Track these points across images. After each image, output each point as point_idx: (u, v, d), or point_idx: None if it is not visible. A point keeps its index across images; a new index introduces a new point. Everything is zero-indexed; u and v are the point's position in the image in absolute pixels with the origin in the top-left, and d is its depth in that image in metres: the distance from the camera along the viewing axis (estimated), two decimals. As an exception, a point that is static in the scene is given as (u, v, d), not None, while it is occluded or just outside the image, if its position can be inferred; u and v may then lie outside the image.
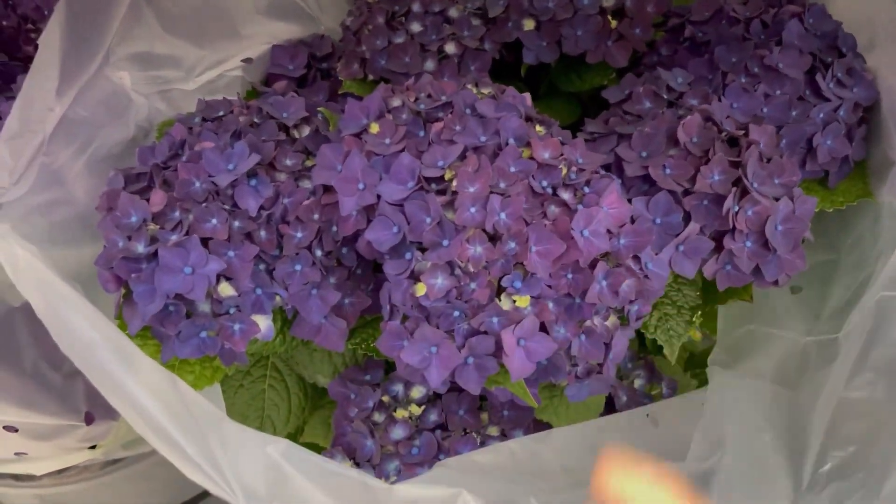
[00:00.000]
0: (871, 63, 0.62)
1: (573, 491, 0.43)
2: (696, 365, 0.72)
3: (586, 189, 0.49)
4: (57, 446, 0.61)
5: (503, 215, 0.46)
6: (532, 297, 0.46)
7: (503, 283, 0.46)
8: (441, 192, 0.47)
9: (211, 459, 0.38)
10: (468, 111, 0.51)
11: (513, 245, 0.46)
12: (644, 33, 0.65)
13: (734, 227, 0.52)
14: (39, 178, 0.49)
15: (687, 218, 0.53)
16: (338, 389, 0.55)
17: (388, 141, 0.49)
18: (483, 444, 0.51)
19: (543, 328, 0.47)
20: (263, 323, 0.49)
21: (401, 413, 0.52)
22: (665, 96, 0.58)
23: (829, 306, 0.60)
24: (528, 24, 0.64)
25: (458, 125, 0.49)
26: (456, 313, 0.46)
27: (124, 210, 0.47)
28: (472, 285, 0.46)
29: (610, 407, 0.60)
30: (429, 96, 0.51)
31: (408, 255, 0.47)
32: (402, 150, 0.49)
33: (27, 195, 0.49)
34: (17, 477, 0.85)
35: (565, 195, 0.48)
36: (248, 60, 0.64)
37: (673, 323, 0.60)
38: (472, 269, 0.46)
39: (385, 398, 0.53)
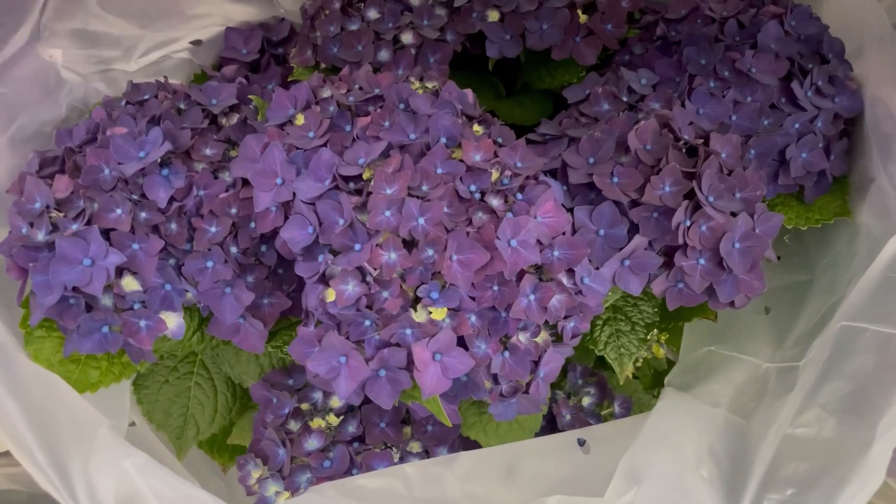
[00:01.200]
0: (858, 71, 0.57)
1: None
2: (660, 383, 0.68)
3: (519, 196, 0.45)
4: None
5: (421, 220, 0.42)
6: (450, 308, 0.43)
7: (419, 293, 0.43)
8: (358, 192, 0.44)
9: (61, 469, 0.35)
10: (401, 106, 0.48)
11: (430, 253, 0.42)
12: (616, 29, 0.61)
13: (685, 244, 0.49)
14: (-50, 157, 0.47)
15: (634, 231, 0.49)
16: (260, 392, 0.52)
17: (311, 134, 0.46)
18: (402, 460, 0.48)
19: (463, 342, 0.44)
20: (173, 320, 0.47)
21: (317, 423, 0.49)
22: (625, 98, 0.54)
23: (797, 331, 0.56)
24: (493, 16, 0.60)
25: (387, 121, 0.46)
26: (367, 323, 0.43)
27: (29, 195, 0.45)
28: (385, 294, 0.43)
29: (553, 426, 0.57)
30: (360, 88, 0.48)
31: (321, 258, 0.44)
32: (325, 145, 0.46)
33: (-64, 175, 0.47)
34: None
35: (494, 201, 0.44)
36: (196, 42, 0.61)
37: (625, 340, 0.56)
38: (384, 277, 0.42)
39: (304, 405, 0.50)
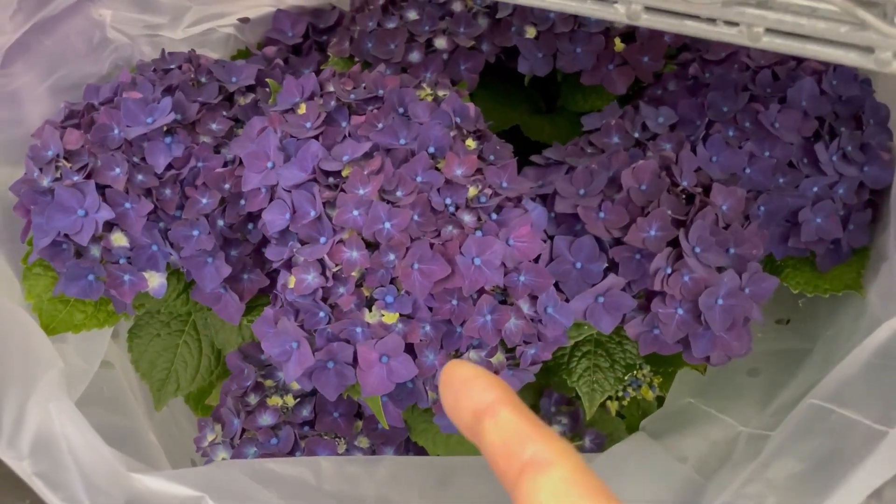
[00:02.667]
0: (898, 142, 0.54)
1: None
2: (646, 426, 0.67)
3: (494, 216, 0.46)
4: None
5: (388, 224, 0.43)
6: (403, 315, 0.44)
7: (375, 295, 0.44)
8: (334, 188, 0.45)
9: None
10: (400, 110, 0.49)
11: (391, 258, 0.43)
12: (653, 63, 0.60)
13: (664, 291, 0.48)
14: (-11, 97, 0.51)
15: (613, 269, 0.49)
16: (234, 362, 0.54)
17: (308, 125, 0.48)
18: (348, 452, 0.50)
19: (412, 349, 0.45)
20: (156, 280, 0.49)
21: (274, 400, 0.51)
22: (636, 135, 0.53)
23: (781, 399, 0.54)
24: (530, 32, 0.60)
25: (381, 122, 0.47)
26: (321, 314, 0.44)
27: (45, 142, 0.48)
28: (341, 290, 0.44)
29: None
30: (364, 87, 0.49)
31: (291, 245, 0.46)
32: (317, 137, 0.47)
33: (-26, 111, 0.51)
34: None
35: (466, 217, 0.45)
36: (244, 20, 0.64)
37: (601, 377, 0.55)
38: (343, 274, 0.44)
39: (269, 382, 0.52)
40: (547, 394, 0.60)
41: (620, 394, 0.64)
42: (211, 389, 0.61)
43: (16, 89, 0.53)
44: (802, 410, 0.46)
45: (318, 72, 0.63)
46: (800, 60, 0.55)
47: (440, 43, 0.60)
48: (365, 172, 0.44)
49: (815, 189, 0.52)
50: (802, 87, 0.53)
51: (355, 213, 0.43)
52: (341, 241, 0.43)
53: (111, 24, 0.57)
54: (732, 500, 0.44)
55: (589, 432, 0.59)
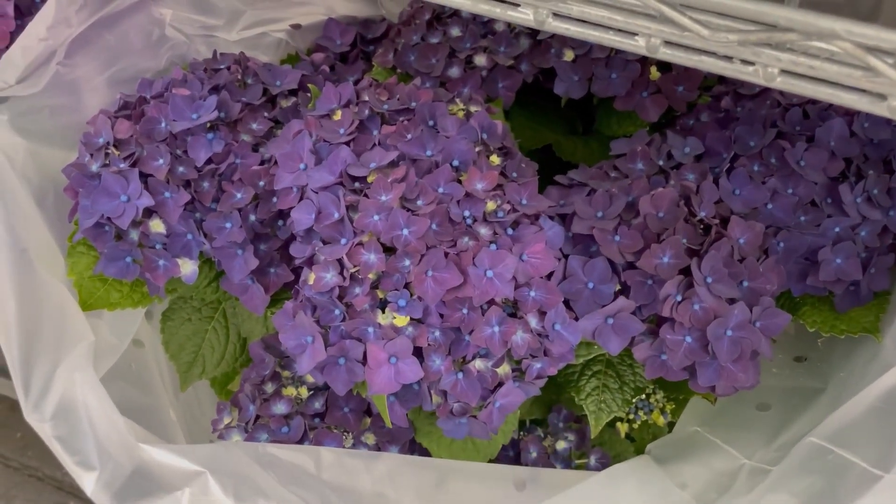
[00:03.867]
0: (927, 189, 0.54)
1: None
2: (655, 451, 0.67)
3: (510, 231, 0.47)
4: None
5: (406, 231, 0.45)
6: (416, 319, 0.46)
7: (389, 298, 0.46)
8: (359, 192, 0.47)
9: (28, 364, 0.41)
10: (430, 123, 0.50)
11: (407, 263, 0.45)
12: (688, 93, 0.61)
13: (672, 318, 0.48)
14: (52, 84, 0.55)
15: (625, 292, 0.50)
16: (257, 351, 0.57)
17: (342, 131, 0.50)
18: (354, 447, 0.52)
19: (420, 353, 0.46)
20: (188, 267, 0.52)
21: (289, 391, 0.53)
22: (660, 163, 0.54)
23: (787, 435, 0.54)
24: (568, 55, 0.62)
25: (410, 133, 0.49)
26: (336, 312, 0.46)
27: (97, 130, 0.52)
28: (356, 290, 0.46)
29: (518, 459, 0.58)
30: (398, 99, 0.51)
31: (314, 243, 0.48)
32: (348, 143, 0.49)
33: (37, 96, 0.55)
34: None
35: (482, 230, 0.46)
36: (296, 26, 0.66)
37: (608, 397, 0.56)
38: (360, 275, 0.46)
39: (286, 373, 0.54)
40: (556, 409, 0.61)
41: (631, 416, 0.64)
42: (235, 375, 0.63)
43: (76, 78, 0.57)
44: (802, 448, 0.47)
45: (359, 80, 0.66)
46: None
47: (480, 60, 0.62)
48: (389, 180, 0.46)
49: (837, 230, 0.52)
50: (832, 127, 0.53)
51: (376, 217, 0.45)
52: (360, 243, 0.46)
53: (170, 23, 0.60)
54: (722, 530, 0.44)
55: (594, 451, 0.60)
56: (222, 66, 0.56)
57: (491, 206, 0.47)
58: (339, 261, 0.46)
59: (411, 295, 0.46)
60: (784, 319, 0.50)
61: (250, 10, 0.63)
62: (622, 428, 0.65)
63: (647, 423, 0.67)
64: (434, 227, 0.46)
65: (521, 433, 0.60)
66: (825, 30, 0.31)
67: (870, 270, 0.53)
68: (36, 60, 0.53)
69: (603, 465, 0.60)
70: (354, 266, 0.46)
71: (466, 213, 0.47)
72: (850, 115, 0.55)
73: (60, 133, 0.56)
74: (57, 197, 0.54)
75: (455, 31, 0.63)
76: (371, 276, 0.46)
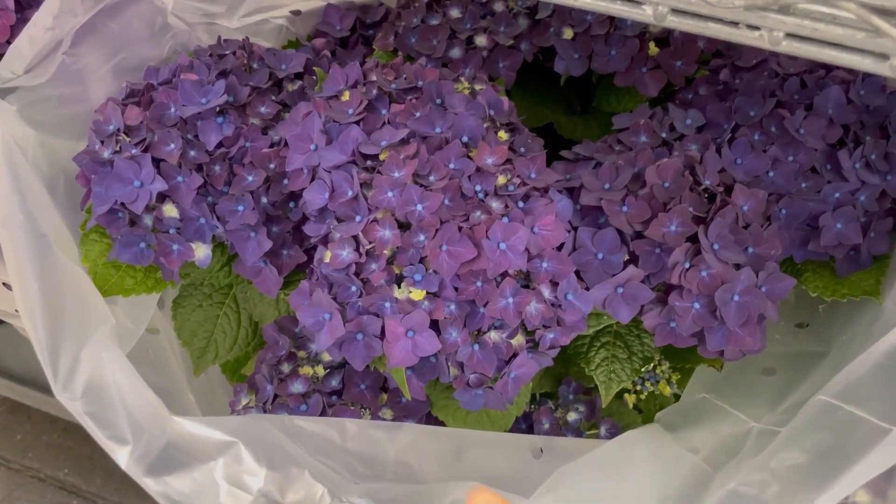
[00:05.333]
0: (925, 154, 0.55)
1: (397, 484, 0.43)
2: (661, 421, 0.69)
3: (521, 204, 0.48)
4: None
5: (420, 207, 0.46)
6: (429, 292, 0.46)
7: (405, 273, 0.47)
8: (371, 170, 0.48)
9: (54, 346, 0.42)
10: (438, 101, 0.51)
11: (421, 238, 0.46)
12: (686, 67, 0.62)
13: (681, 285, 0.50)
14: (58, 73, 0.55)
15: (634, 261, 0.51)
16: (270, 333, 0.58)
17: (350, 111, 0.51)
18: (372, 422, 0.53)
19: (437, 326, 0.47)
20: (202, 250, 0.53)
21: (306, 370, 0.54)
22: (663, 135, 0.55)
23: (793, 398, 0.55)
24: (568, 34, 0.63)
25: (418, 111, 0.50)
26: (353, 288, 0.47)
27: (107, 118, 0.52)
28: (373, 266, 0.47)
29: (530, 430, 0.59)
30: (405, 78, 0.52)
31: (328, 222, 0.49)
32: (358, 123, 0.50)
33: (44, 86, 0.55)
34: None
35: (494, 204, 0.47)
36: (296, 12, 0.67)
37: (618, 367, 0.57)
38: (375, 251, 0.46)
39: (301, 353, 0.55)
40: (566, 382, 0.62)
41: (638, 388, 0.66)
42: (246, 360, 0.64)
43: (81, 68, 0.57)
44: (811, 406, 0.48)
45: (363, 63, 0.66)
46: (828, 69, 0.57)
47: (480, 41, 0.63)
48: (401, 157, 0.47)
49: (837, 195, 0.54)
50: (829, 95, 0.54)
51: (390, 194, 0.46)
52: (375, 220, 0.46)
53: (172, 11, 0.60)
54: (737, 487, 0.46)
55: (605, 422, 0.61)
56: (228, 52, 0.56)
57: (501, 180, 0.48)
58: (355, 237, 0.47)
59: (426, 269, 0.47)
60: (789, 284, 0.51)
61: (252, -4, 0.64)
62: (630, 399, 0.66)
63: (653, 394, 0.68)
64: (447, 202, 0.47)
65: (533, 406, 0.61)
66: (830, -9, 0.32)
67: (869, 234, 0.55)
68: (43, 50, 0.53)
69: (612, 434, 0.61)
70: (370, 242, 0.46)
71: (478, 188, 0.48)
72: (846, 83, 0.56)
73: (68, 122, 0.57)
74: (67, 186, 0.55)
75: (454, 13, 0.63)
76: (386, 251, 0.46)
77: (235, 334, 0.62)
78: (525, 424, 0.60)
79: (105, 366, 0.42)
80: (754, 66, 0.59)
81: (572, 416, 0.60)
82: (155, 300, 0.55)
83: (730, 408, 0.57)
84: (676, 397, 0.69)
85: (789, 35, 0.36)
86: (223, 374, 0.67)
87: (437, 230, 0.46)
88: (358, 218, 0.47)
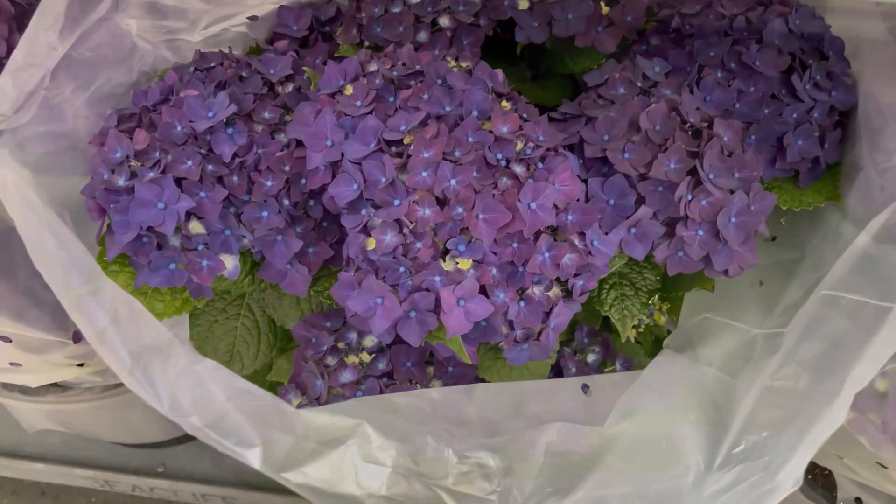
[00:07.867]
0: (854, 68, 0.63)
1: (488, 438, 0.46)
2: (660, 349, 0.74)
3: (540, 165, 0.51)
4: (47, 361, 0.66)
5: (453, 182, 0.49)
6: (475, 260, 0.49)
7: (448, 246, 0.49)
8: (399, 156, 0.50)
9: (146, 372, 0.42)
10: (439, 82, 0.54)
11: (460, 210, 0.49)
12: (636, 21, 0.66)
13: (686, 216, 0.54)
14: (41, 110, 0.54)
15: (641, 202, 0.55)
16: (300, 333, 0.59)
17: (359, 103, 0.52)
18: (425, 395, 0.55)
19: (484, 291, 0.50)
20: (230, 262, 0.53)
21: (351, 359, 0.55)
22: (639, 84, 0.60)
23: (785, 302, 0.62)
24: (523, 4, 0.66)
25: (426, 94, 0.52)
26: (401, 269, 0.49)
27: (111, 146, 0.51)
28: (418, 244, 0.49)
29: (560, 377, 0.63)
30: (403, 65, 0.54)
31: (363, 212, 0.50)
32: (370, 113, 0.52)
33: (28, 125, 0.53)
34: (23, 391, 0.91)
35: (518, 168, 0.50)
36: (253, 18, 0.67)
37: (629, 303, 0.62)
38: (419, 230, 0.49)
39: (340, 344, 0.57)
40: (578, 328, 0.66)
41: (636, 322, 0.71)
42: (270, 368, 0.64)
43: (60, 102, 0.56)
44: (815, 301, 0.54)
45: (327, 60, 0.68)
46: (766, 6, 0.63)
47: (444, 21, 0.65)
48: (427, 137, 0.49)
49: (795, 115, 0.60)
50: (773, 27, 0.60)
51: (424, 174, 0.48)
52: (414, 201, 0.48)
53: (137, 33, 0.60)
54: (772, 383, 0.51)
55: (619, 357, 0.66)
56: (213, 64, 0.56)
57: (519, 145, 0.51)
58: (398, 221, 0.49)
59: (468, 239, 0.49)
60: (772, 200, 0.57)
61: (212, 6, 0.63)
62: (632, 334, 0.72)
63: (648, 327, 0.74)
64: (475, 173, 0.49)
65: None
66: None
67: (825, 146, 0.62)
68: (26, 88, 0.52)
69: (627, 368, 0.66)
70: (412, 223, 0.49)
71: (499, 156, 0.51)
72: (783, 16, 0.62)
73: (57, 158, 0.55)
74: (73, 222, 0.54)
75: (414, -1, 0.66)
76: (429, 228, 0.49)
77: (258, 343, 0.63)
78: (552, 373, 0.64)
79: (205, 378, 0.43)
80: (700, 12, 0.64)
81: (591, 357, 0.65)
82: (185, 320, 0.55)
83: (731, 321, 0.63)
84: (669, 331, 0.74)
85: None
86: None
87: (473, 201, 0.48)
88: (397, 202, 0.49)
